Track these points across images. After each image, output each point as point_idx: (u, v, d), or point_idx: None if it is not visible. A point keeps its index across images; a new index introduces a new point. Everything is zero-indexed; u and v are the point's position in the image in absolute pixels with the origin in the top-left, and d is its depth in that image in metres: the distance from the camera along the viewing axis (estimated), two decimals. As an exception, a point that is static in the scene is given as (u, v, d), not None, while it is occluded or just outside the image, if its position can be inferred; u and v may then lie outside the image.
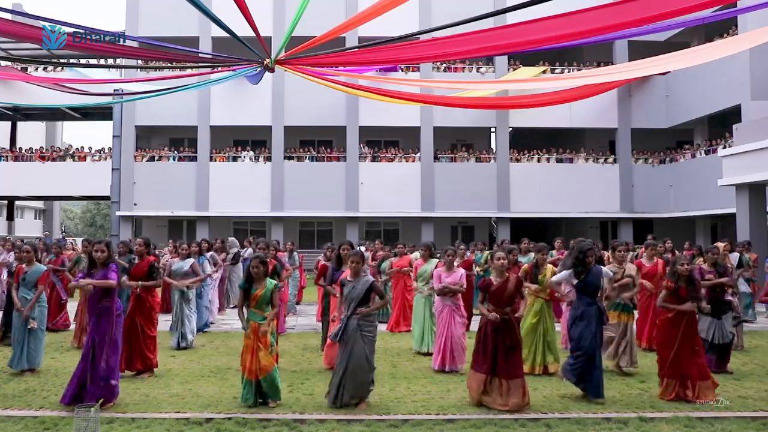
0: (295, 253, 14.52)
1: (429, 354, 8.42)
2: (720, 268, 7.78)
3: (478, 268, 13.51)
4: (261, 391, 5.86)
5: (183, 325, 8.79)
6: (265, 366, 5.83)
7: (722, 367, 7.43)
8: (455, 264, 9.72)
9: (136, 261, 7.52)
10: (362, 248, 14.09)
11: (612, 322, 7.30)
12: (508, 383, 5.79)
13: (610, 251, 7.96)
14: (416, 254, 14.86)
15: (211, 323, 10.98)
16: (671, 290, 6.35)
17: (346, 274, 6.29)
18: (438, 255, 9.28)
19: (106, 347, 5.87)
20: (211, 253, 11.65)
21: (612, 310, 7.44)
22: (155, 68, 22.91)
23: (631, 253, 12.50)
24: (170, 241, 14.89)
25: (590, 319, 6.22)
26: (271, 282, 6.04)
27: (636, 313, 7.97)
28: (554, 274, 7.73)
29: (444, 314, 7.67)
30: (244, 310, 6.00)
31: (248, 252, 16.32)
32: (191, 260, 9.05)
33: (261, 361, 5.81)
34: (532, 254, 10.45)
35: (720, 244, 9.24)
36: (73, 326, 10.28)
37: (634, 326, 7.75)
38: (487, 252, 14.30)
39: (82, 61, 23.80)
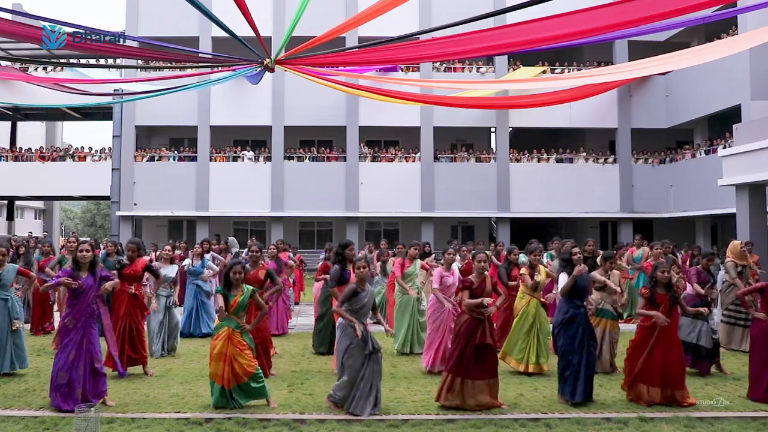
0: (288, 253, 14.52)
1: (409, 354, 8.45)
2: (713, 275, 7.78)
3: None
4: (233, 396, 5.79)
5: (171, 331, 8.49)
6: (247, 369, 5.79)
7: (708, 371, 7.41)
8: (456, 266, 9.74)
9: (125, 262, 7.40)
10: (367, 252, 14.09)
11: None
12: (481, 383, 5.82)
13: (600, 259, 7.87)
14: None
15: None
16: (647, 298, 6.22)
17: (353, 280, 6.18)
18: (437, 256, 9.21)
19: (98, 346, 5.95)
20: (211, 253, 11.60)
21: (594, 316, 7.39)
22: (155, 68, 22.92)
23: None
24: (170, 241, 14.88)
25: (578, 324, 6.17)
26: (248, 288, 6.01)
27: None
28: (548, 275, 7.76)
29: (443, 316, 7.52)
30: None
31: None
32: (176, 267, 8.79)
33: (242, 365, 5.76)
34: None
35: (736, 243, 9.16)
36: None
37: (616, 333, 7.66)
38: (488, 252, 14.32)
39: (82, 61, 23.79)
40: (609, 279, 7.49)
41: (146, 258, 8.12)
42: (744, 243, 10.21)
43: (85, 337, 5.82)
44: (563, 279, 6.34)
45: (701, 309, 6.85)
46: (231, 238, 15.02)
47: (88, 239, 11.01)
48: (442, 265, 7.75)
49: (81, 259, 5.90)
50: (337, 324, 6.06)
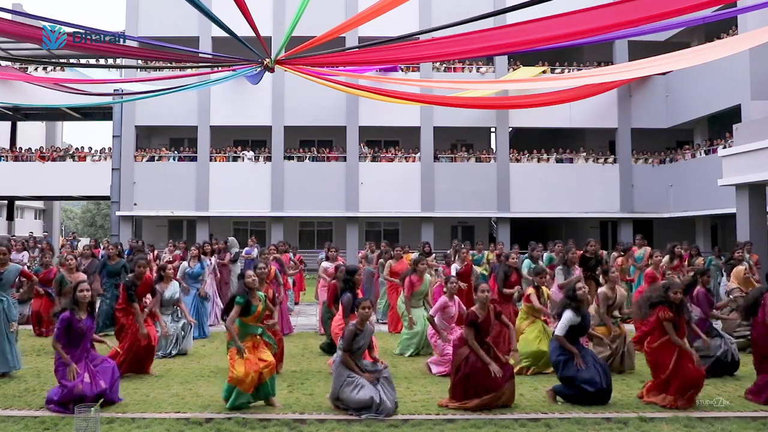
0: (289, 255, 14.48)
1: (407, 355, 8.43)
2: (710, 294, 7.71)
3: (480, 269, 13.52)
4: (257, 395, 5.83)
5: (182, 338, 8.49)
6: (271, 367, 5.83)
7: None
8: (458, 267, 9.75)
9: (136, 281, 7.39)
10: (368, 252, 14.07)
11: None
12: (501, 390, 5.80)
13: (602, 274, 7.78)
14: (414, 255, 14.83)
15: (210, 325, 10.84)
16: (673, 321, 5.98)
17: (353, 318, 6.12)
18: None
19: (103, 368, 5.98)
20: (215, 259, 11.51)
21: (599, 326, 7.34)
22: (155, 68, 22.92)
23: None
24: (169, 241, 14.88)
25: (584, 357, 6.03)
26: (262, 294, 6.04)
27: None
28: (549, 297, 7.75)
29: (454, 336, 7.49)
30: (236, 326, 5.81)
31: (254, 251, 16.33)
32: (177, 285, 8.66)
33: (266, 364, 5.79)
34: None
35: (740, 268, 9.08)
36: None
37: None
38: (486, 252, 14.31)
39: (82, 61, 23.80)
40: (616, 293, 7.41)
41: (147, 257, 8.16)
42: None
43: (87, 369, 5.74)
44: (566, 317, 6.10)
45: (705, 338, 6.65)
46: (231, 238, 14.92)
47: (87, 253, 10.81)
48: (445, 293, 7.60)
49: (81, 299, 5.84)
50: (332, 358, 6.03)
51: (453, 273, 9.25)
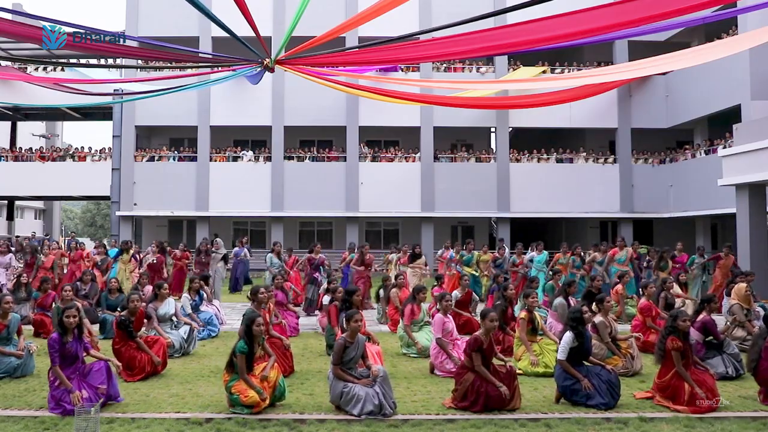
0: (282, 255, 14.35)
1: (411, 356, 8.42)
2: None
3: (468, 270, 13.56)
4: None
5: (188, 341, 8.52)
6: (277, 379, 5.84)
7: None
8: (458, 295, 9.76)
9: (131, 318, 7.29)
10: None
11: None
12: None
13: (596, 303, 7.66)
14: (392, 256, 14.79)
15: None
16: (682, 350, 5.99)
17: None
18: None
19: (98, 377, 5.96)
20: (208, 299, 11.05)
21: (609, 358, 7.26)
22: (155, 68, 22.93)
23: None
24: (153, 241, 14.60)
25: (590, 378, 5.98)
26: (261, 337, 6.02)
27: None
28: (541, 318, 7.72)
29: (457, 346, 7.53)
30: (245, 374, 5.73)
31: (243, 252, 16.28)
32: (173, 302, 8.70)
33: (270, 381, 5.77)
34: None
35: (742, 286, 9.01)
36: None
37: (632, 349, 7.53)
38: (476, 252, 14.30)
39: (82, 61, 23.80)
40: (607, 321, 7.34)
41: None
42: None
43: (80, 387, 5.70)
44: (566, 339, 6.08)
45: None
46: (218, 240, 14.66)
47: (76, 304, 10.43)
48: (439, 310, 7.67)
49: (68, 325, 5.82)
50: (329, 371, 6.03)
51: (453, 300, 9.24)
